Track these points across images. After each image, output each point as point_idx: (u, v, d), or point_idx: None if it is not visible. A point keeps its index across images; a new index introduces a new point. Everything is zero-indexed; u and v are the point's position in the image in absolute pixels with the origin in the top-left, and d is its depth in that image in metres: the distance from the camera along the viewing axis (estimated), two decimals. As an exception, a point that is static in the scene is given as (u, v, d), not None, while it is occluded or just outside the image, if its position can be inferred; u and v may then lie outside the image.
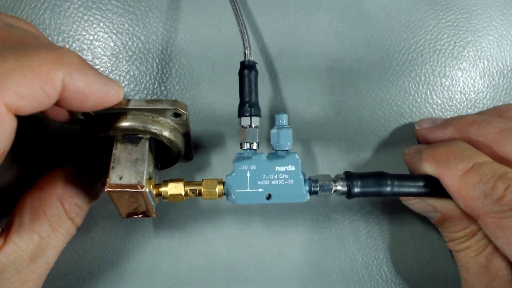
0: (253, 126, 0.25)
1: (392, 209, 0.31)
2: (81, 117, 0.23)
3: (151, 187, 0.24)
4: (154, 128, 0.24)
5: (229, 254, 0.30)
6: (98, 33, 0.29)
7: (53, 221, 0.23)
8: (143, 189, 0.22)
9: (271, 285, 0.30)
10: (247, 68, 0.25)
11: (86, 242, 0.29)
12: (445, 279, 0.31)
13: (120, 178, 0.22)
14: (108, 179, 0.22)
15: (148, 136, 0.24)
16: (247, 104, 0.25)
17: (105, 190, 0.22)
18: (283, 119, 0.25)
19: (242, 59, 0.26)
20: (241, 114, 0.25)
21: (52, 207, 0.23)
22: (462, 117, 0.27)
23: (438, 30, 0.32)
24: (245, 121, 0.25)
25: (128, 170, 0.22)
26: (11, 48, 0.17)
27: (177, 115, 0.25)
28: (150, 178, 0.24)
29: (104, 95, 0.20)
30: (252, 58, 0.26)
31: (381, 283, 0.31)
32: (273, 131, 0.25)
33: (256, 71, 0.25)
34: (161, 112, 0.24)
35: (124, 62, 0.29)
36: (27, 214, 0.23)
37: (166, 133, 0.25)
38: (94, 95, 0.19)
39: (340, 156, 0.30)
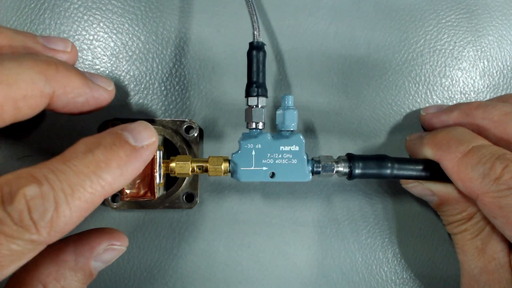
0: (259, 106, 0.25)
1: (392, 209, 0.31)
2: None
3: (161, 153, 0.24)
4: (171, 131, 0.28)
5: (229, 254, 0.30)
6: (98, 33, 0.29)
7: None
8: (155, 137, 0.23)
9: (271, 285, 0.30)
10: (255, 49, 0.25)
11: (86, 242, 0.29)
12: (445, 279, 0.31)
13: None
14: None
15: (161, 133, 0.27)
16: (254, 85, 0.25)
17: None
18: (289, 100, 0.26)
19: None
20: (248, 94, 0.25)
21: None
22: (468, 102, 0.28)
23: (438, 30, 0.32)
24: (252, 101, 0.25)
25: None
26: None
27: (189, 128, 0.28)
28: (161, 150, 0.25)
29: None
30: (260, 39, 0.26)
31: (381, 283, 0.31)
32: (279, 111, 0.26)
33: (265, 52, 0.26)
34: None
35: (124, 62, 0.29)
36: None
37: (178, 137, 0.28)
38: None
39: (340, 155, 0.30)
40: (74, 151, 0.18)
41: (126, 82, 0.29)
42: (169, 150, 0.28)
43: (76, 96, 0.21)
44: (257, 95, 0.25)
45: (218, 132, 0.30)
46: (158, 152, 0.24)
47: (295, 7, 0.31)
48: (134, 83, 0.29)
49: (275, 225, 0.30)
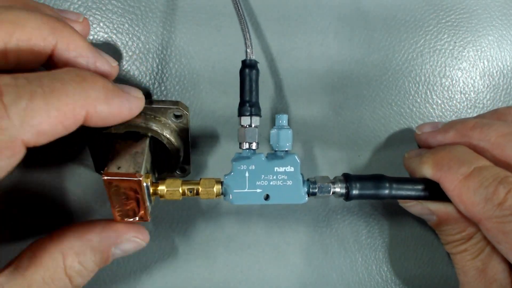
0: (253, 125, 0.24)
1: (392, 209, 0.31)
2: None
3: (149, 182, 0.23)
4: (156, 126, 0.25)
5: (229, 254, 0.30)
6: (98, 33, 0.29)
7: (47, 275, 0.21)
8: (141, 178, 0.22)
9: (271, 285, 0.30)
10: (248, 67, 0.25)
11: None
12: (445, 279, 0.31)
13: (118, 168, 0.22)
14: (106, 168, 0.22)
15: (149, 134, 0.25)
16: (247, 104, 0.24)
17: (102, 178, 0.21)
18: (283, 119, 0.25)
19: (242, 58, 0.26)
20: (241, 113, 0.25)
21: (51, 259, 0.22)
22: (464, 121, 0.27)
23: (438, 30, 0.32)
24: (245, 120, 0.24)
25: (126, 161, 0.22)
26: (41, 81, 0.17)
27: (178, 116, 0.26)
28: (148, 173, 0.24)
29: (127, 113, 0.21)
30: (253, 57, 0.25)
31: (381, 283, 0.31)
32: (273, 131, 0.25)
33: (258, 70, 0.25)
34: (163, 111, 0.25)
35: (124, 62, 0.29)
36: (26, 259, 0.21)
37: (166, 133, 0.25)
38: (116, 117, 0.20)
39: (340, 156, 0.30)
40: (61, 68, 0.19)
41: (126, 82, 0.29)
42: (158, 147, 0.27)
43: (78, 56, 0.21)
44: (251, 115, 0.24)
45: (218, 132, 0.30)
46: (145, 185, 0.22)
47: (295, 7, 0.31)
48: (134, 83, 0.29)
49: (275, 225, 0.30)
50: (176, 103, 0.25)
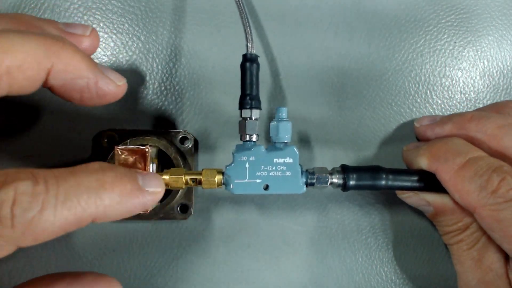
0: (253, 118, 0.25)
1: (392, 209, 0.31)
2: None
3: (155, 167, 0.24)
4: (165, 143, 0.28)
5: (229, 253, 0.30)
6: (98, 33, 0.29)
7: None
8: (148, 150, 0.23)
9: (272, 285, 0.30)
10: (249, 61, 0.25)
11: (86, 243, 0.29)
12: (445, 279, 0.31)
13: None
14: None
15: (156, 144, 0.27)
16: (248, 97, 0.25)
17: (115, 149, 0.23)
18: (282, 112, 0.26)
19: (242, 59, 0.26)
20: (242, 106, 0.25)
21: None
22: (461, 114, 0.28)
23: (438, 30, 0.32)
24: (246, 113, 0.25)
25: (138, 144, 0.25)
26: (58, 188, 0.17)
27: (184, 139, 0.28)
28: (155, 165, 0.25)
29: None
30: (254, 51, 0.26)
31: (381, 283, 0.31)
32: (273, 123, 0.25)
33: (258, 64, 0.26)
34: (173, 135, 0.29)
35: (124, 62, 0.29)
36: None
37: (173, 148, 0.27)
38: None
39: (340, 156, 0.30)
40: (86, 166, 0.18)
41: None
42: (164, 162, 0.28)
43: (76, 77, 0.20)
44: (251, 107, 0.25)
45: (218, 132, 0.30)
46: (151, 165, 0.23)
47: (295, 7, 0.31)
48: (134, 83, 0.29)
49: (275, 225, 0.30)
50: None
